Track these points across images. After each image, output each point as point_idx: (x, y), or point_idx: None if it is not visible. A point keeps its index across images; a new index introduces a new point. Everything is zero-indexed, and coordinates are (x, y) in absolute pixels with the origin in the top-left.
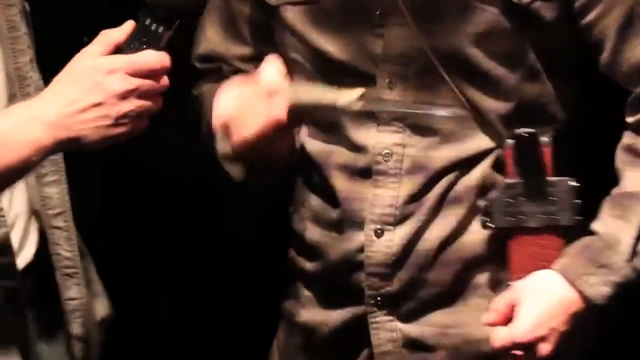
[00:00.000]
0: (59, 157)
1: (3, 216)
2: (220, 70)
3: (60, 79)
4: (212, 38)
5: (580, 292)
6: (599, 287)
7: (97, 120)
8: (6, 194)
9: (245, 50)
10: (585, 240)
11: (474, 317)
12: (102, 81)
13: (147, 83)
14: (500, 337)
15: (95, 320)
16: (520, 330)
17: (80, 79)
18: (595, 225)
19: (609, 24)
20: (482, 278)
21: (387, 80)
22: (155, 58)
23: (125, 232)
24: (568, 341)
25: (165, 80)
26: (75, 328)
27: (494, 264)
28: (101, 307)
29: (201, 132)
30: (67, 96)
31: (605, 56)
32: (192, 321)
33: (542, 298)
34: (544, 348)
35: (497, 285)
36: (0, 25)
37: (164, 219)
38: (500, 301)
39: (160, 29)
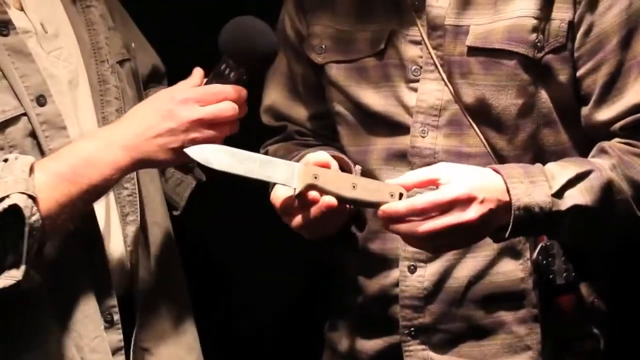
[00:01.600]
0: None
1: None
2: (285, 128)
3: (139, 107)
4: (276, 98)
5: (507, 187)
6: (523, 195)
7: (169, 144)
8: None
9: (304, 108)
10: (530, 165)
11: (500, 352)
12: (175, 109)
13: (215, 113)
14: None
15: None
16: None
17: (157, 107)
18: (545, 164)
19: (596, 79)
20: (509, 315)
21: (420, 129)
22: (223, 88)
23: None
24: (474, 230)
25: (235, 109)
26: None
27: (519, 302)
28: None
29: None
30: (144, 122)
31: (585, 109)
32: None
33: (473, 175)
34: (465, 215)
35: (524, 322)
36: (92, 78)
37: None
38: (423, 173)
39: (232, 74)
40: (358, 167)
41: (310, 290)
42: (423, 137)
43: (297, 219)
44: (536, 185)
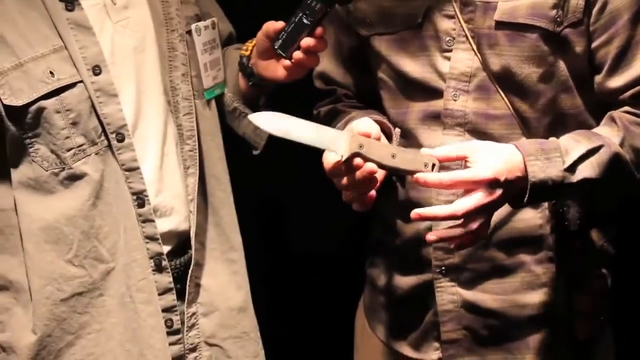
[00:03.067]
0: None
1: None
2: (334, 92)
3: None
4: (326, 65)
5: (525, 164)
6: (539, 172)
7: None
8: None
9: (351, 75)
10: (546, 140)
11: (520, 288)
12: None
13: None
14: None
15: None
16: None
17: None
18: (560, 138)
19: (608, 51)
20: (528, 257)
21: (452, 93)
22: None
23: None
24: (495, 205)
25: None
26: None
27: (538, 245)
28: None
29: None
30: None
31: (598, 77)
32: (290, 279)
33: (498, 157)
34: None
35: (541, 263)
36: (162, 45)
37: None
38: (454, 149)
39: (319, 6)
40: (397, 130)
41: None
42: (455, 100)
43: (343, 181)
44: (551, 161)
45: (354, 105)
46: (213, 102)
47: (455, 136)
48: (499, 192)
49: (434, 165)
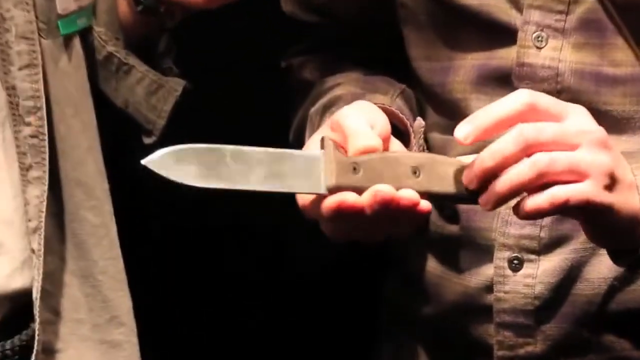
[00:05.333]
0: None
1: None
2: (317, 28)
3: None
4: None
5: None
6: None
7: None
8: None
9: None
10: None
11: None
12: None
13: None
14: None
15: None
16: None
17: None
18: None
19: None
20: None
21: (534, 34)
22: None
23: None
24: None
25: None
26: None
27: None
28: None
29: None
30: None
31: None
32: None
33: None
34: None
35: None
36: None
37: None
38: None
39: None
40: (420, 122)
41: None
42: (539, 47)
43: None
44: None
45: (347, 58)
46: (77, 44)
47: None
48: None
49: None
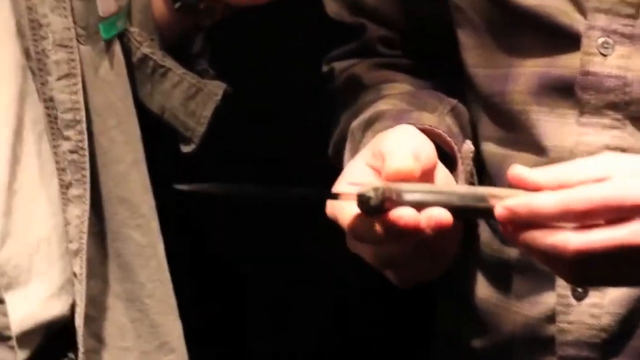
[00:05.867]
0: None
1: None
2: (362, 30)
3: None
4: None
5: None
6: None
7: None
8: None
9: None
10: None
11: None
12: None
13: None
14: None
15: None
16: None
17: None
18: None
19: None
20: None
21: (600, 40)
22: None
23: None
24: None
25: None
26: None
27: None
28: None
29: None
30: None
31: None
32: None
33: None
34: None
35: None
36: None
37: None
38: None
39: None
40: (469, 146)
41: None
42: (605, 55)
43: (382, 250)
44: None
45: (395, 65)
46: (118, 49)
47: (606, 128)
48: None
49: None
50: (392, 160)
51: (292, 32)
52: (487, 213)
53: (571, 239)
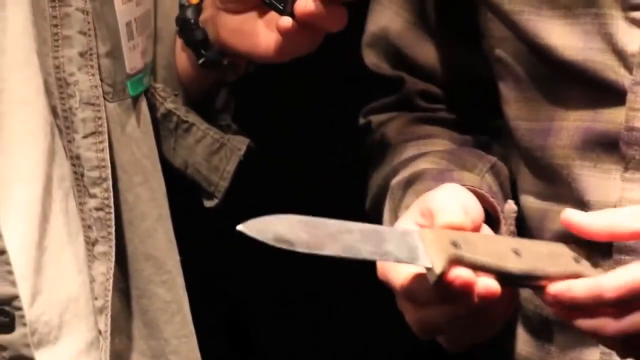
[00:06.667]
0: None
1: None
2: (401, 84)
3: None
4: (390, 23)
5: None
6: None
7: None
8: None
9: (438, 46)
10: None
11: None
12: None
13: None
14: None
15: None
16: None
17: None
18: None
19: None
20: None
21: None
22: None
23: None
24: None
25: None
26: None
27: None
28: None
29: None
30: None
31: None
32: None
33: None
34: None
35: None
36: None
37: None
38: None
39: None
40: (511, 206)
41: None
42: None
43: (435, 313)
44: None
45: (434, 119)
46: (144, 106)
47: None
48: None
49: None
50: (442, 215)
51: (315, 86)
52: (537, 290)
53: (607, 326)
